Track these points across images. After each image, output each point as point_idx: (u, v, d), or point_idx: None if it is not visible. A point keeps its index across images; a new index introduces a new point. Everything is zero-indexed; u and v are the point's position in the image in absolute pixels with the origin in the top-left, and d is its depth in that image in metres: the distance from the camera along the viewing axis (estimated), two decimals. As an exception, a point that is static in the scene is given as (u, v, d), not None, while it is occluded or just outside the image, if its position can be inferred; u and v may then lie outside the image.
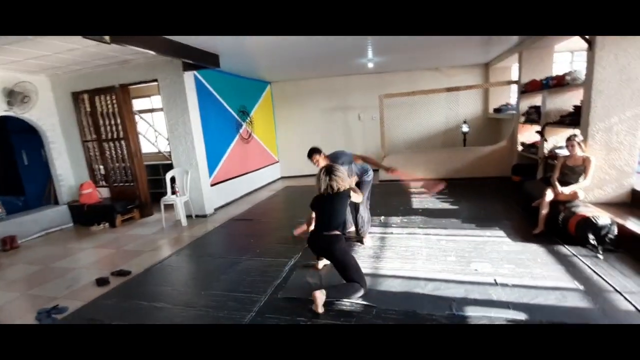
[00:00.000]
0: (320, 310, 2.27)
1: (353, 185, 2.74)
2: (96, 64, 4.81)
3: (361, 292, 2.36)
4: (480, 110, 7.43)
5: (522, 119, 5.48)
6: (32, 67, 4.70)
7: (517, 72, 5.64)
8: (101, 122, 5.32)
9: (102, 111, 5.28)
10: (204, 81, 5.34)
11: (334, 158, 3.22)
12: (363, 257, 3.12)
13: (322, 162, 3.18)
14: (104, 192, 5.59)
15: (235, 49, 4.56)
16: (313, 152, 3.24)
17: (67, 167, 5.68)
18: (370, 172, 3.56)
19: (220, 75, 5.77)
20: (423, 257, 3.01)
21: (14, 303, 2.92)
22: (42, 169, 5.86)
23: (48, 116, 5.37)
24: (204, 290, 2.76)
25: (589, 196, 3.61)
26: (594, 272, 2.54)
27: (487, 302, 2.25)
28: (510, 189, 5.16)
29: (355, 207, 3.42)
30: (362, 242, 3.45)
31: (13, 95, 4.74)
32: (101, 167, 5.58)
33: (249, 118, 6.81)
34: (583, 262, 2.70)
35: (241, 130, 6.50)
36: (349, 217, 3.58)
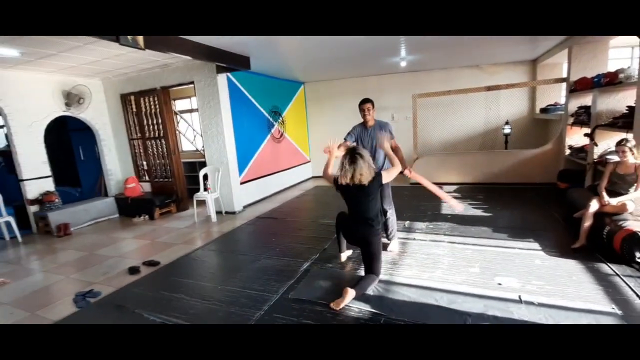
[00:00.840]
0: (337, 307, 2.30)
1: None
2: (141, 68, 5.19)
3: (376, 281, 2.54)
4: (526, 110, 6.88)
5: (571, 120, 4.99)
6: (87, 72, 5.19)
7: (567, 70, 5.14)
8: (145, 121, 5.73)
9: (145, 111, 5.68)
10: (237, 83, 5.53)
11: (382, 124, 3.16)
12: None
13: (370, 118, 3.12)
14: (146, 187, 6.02)
15: (266, 52, 4.67)
16: (369, 101, 3.11)
17: (116, 163, 6.20)
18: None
19: (253, 76, 5.94)
20: (444, 267, 2.86)
21: (58, 285, 3.25)
22: (95, 163, 6.44)
23: (100, 116, 5.90)
24: (220, 285, 2.86)
25: (644, 209, 3.19)
26: (637, 295, 2.24)
27: (507, 321, 2.08)
28: (554, 197, 4.73)
29: (383, 211, 3.27)
30: (385, 249, 3.24)
31: (70, 97, 5.28)
32: (144, 163, 6.02)
33: (281, 118, 6.94)
34: (626, 283, 2.40)
35: (273, 130, 6.64)
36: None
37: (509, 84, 5.94)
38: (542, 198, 4.82)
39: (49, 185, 5.19)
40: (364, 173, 2.37)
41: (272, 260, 3.31)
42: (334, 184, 2.58)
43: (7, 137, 4.92)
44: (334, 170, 2.67)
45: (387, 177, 2.61)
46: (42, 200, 5.05)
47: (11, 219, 4.66)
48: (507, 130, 6.45)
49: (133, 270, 3.36)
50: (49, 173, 5.24)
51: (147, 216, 5.45)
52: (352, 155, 2.41)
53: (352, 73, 7.17)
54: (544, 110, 6.21)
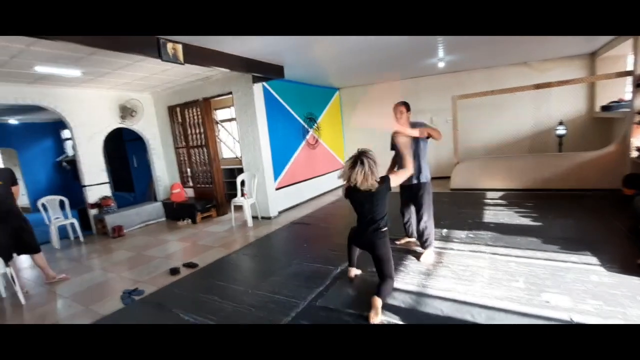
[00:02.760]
0: (377, 319, 2.21)
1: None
2: (185, 81, 5.55)
3: (393, 284, 2.49)
4: (584, 109, 6.25)
5: (638, 118, 4.42)
6: (138, 87, 5.66)
7: (632, 62, 4.58)
8: (189, 130, 6.10)
9: (189, 121, 6.05)
10: (272, 91, 5.69)
11: (418, 125, 2.99)
12: (413, 272, 2.91)
13: (404, 122, 2.98)
14: (190, 192, 6.38)
15: (298, 60, 4.75)
16: (404, 104, 3.00)
17: (164, 170, 6.66)
18: (427, 174, 3.16)
19: (288, 84, 6.07)
20: (484, 280, 2.66)
21: (110, 282, 3.54)
22: (146, 170, 6.99)
23: (150, 126, 6.39)
24: (251, 289, 2.92)
25: None
26: None
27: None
28: (618, 205, 4.20)
29: (418, 216, 3.16)
30: (418, 258, 3.12)
31: (125, 110, 5.78)
32: (188, 170, 6.40)
33: (316, 124, 7.00)
34: None
35: (307, 137, 6.72)
36: (413, 225, 3.37)
37: (561, 81, 5.42)
38: (602, 206, 4.32)
39: (106, 190, 5.72)
40: (364, 177, 2.28)
41: (303, 266, 3.31)
42: (345, 193, 2.54)
43: (73, 147, 5.51)
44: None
45: (395, 180, 2.51)
46: (101, 204, 5.56)
47: (75, 221, 5.19)
48: (561, 131, 5.90)
49: (174, 271, 3.56)
50: (107, 179, 5.76)
51: (189, 220, 5.77)
52: (354, 158, 2.35)
53: (387, 77, 7.04)
54: (605, 108, 5.59)
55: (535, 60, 6.32)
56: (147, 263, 3.99)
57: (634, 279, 2.44)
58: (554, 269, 2.71)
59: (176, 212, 6.01)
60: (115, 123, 5.79)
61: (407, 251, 3.35)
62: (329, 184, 7.41)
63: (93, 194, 5.54)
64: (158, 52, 3.17)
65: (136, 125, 6.11)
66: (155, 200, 6.59)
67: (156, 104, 6.39)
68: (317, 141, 7.02)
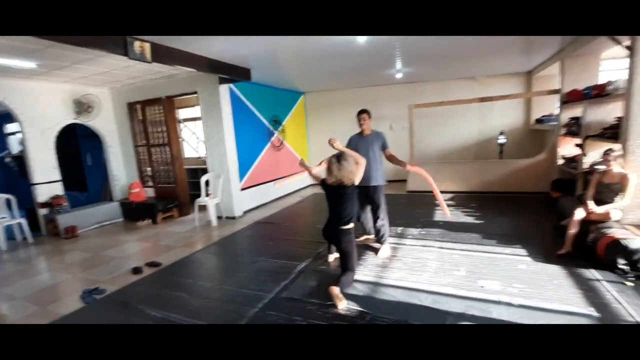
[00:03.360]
0: (342, 304, 2.45)
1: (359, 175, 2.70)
2: (147, 78, 5.44)
3: (353, 276, 2.69)
4: (522, 121, 7.04)
5: (563, 130, 5.13)
6: (97, 82, 5.44)
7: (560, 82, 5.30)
8: (150, 129, 5.95)
9: (151, 119, 5.91)
10: (238, 93, 5.76)
11: (377, 134, 3.40)
12: (370, 265, 3.18)
13: (367, 127, 3.35)
14: (150, 192, 6.22)
15: (265, 64, 4.89)
16: (366, 112, 3.36)
17: (121, 168, 6.42)
18: (383, 178, 3.54)
19: (254, 86, 6.16)
20: (431, 270, 2.99)
21: (66, 283, 3.42)
22: (101, 169, 6.67)
23: (107, 123, 6.14)
24: (218, 285, 3.01)
25: (630, 217, 3.30)
26: (616, 299, 2.35)
27: (485, 320, 2.21)
28: (546, 206, 4.84)
29: (375, 215, 3.45)
30: (376, 253, 3.41)
31: (80, 106, 5.52)
32: (148, 169, 6.23)
33: (281, 127, 7.14)
34: (606, 288, 2.51)
35: (273, 139, 6.84)
36: (370, 223, 3.65)
37: (502, 96, 6.10)
38: (534, 207, 4.93)
39: (58, 189, 5.41)
40: (345, 174, 2.53)
41: (269, 262, 3.46)
42: (320, 183, 2.77)
43: (22, 143, 5.16)
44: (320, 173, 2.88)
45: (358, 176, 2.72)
46: (52, 204, 5.26)
47: (23, 221, 4.87)
48: (501, 140, 6.60)
49: (136, 270, 3.52)
50: (59, 178, 5.46)
51: (150, 220, 5.63)
52: (339, 157, 2.59)
53: (350, 84, 7.39)
54: (538, 121, 6.36)
55: (481, 75, 6.99)
56: (106, 263, 3.89)
57: (552, 266, 2.90)
58: (491, 260, 3.12)
59: (135, 212, 5.83)
60: (70, 118, 5.50)
61: (366, 247, 3.62)
62: (293, 185, 7.58)
63: (43, 193, 5.22)
64: (124, 50, 3.15)
65: (92, 121, 5.85)
66: (112, 200, 6.32)
67: (115, 100, 6.16)
68: (282, 143, 7.16)
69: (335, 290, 2.51)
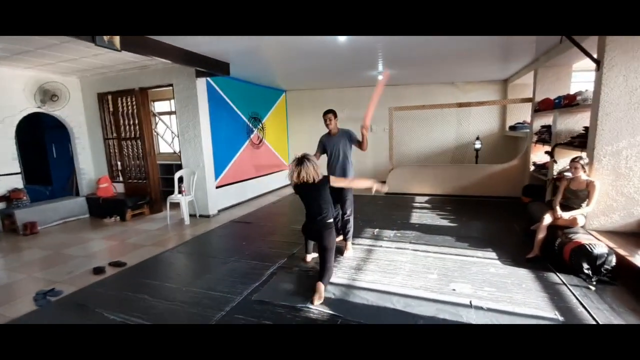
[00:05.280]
0: (319, 301, 2.48)
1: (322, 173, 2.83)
2: (119, 68, 5.18)
3: (333, 271, 2.82)
4: (497, 127, 7.23)
5: (535, 138, 5.29)
6: (64, 70, 5.13)
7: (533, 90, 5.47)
8: (121, 121, 5.68)
9: (122, 111, 5.64)
10: (216, 87, 5.59)
11: (344, 132, 3.48)
12: (344, 267, 3.13)
13: (333, 127, 3.45)
14: (120, 187, 5.93)
15: (245, 59, 4.76)
16: (331, 112, 3.44)
17: (89, 162, 6.10)
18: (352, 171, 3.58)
19: (233, 82, 6.01)
20: (404, 273, 2.98)
21: (19, 283, 3.18)
22: (67, 162, 6.31)
23: (76, 114, 5.81)
24: (185, 287, 2.87)
25: (594, 223, 3.43)
26: (580, 303, 2.41)
27: (455, 323, 2.20)
28: (517, 211, 4.97)
29: (343, 210, 3.47)
30: (341, 253, 3.42)
31: (45, 94, 5.19)
32: (119, 163, 5.94)
33: (260, 124, 7.01)
34: (571, 292, 2.57)
35: (252, 136, 6.70)
36: (340, 223, 3.61)
37: (479, 102, 6.24)
38: (506, 211, 5.06)
39: (17, 182, 5.06)
40: (310, 172, 2.64)
41: (241, 263, 3.34)
42: (293, 187, 2.84)
43: (-24, 131, 4.79)
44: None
45: (336, 182, 2.88)
46: (10, 198, 4.91)
47: (-26, 216, 4.51)
48: (477, 145, 6.75)
49: (98, 270, 3.32)
50: (19, 170, 5.11)
51: (118, 217, 5.37)
52: (299, 159, 2.69)
53: (332, 84, 7.36)
54: (512, 128, 6.55)
55: (460, 81, 7.13)
56: (65, 262, 3.65)
57: (521, 270, 2.96)
58: (462, 263, 3.14)
59: (102, 208, 5.54)
60: (33, 107, 5.16)
61: (337, 249, 3.56)
62: (272, 184, 7.46)
63: (1, 186, 4.87)
64: (91, 37, 2.96)
65: (59, 111, 5.52)
66: (78, 195, 6.00)
67: (84, 90, 5.84)
68: (261, 141, 7.03)
69: (322, 287, 2.56)
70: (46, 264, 3.65)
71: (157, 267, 3.41)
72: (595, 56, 3.34)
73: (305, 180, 2.65)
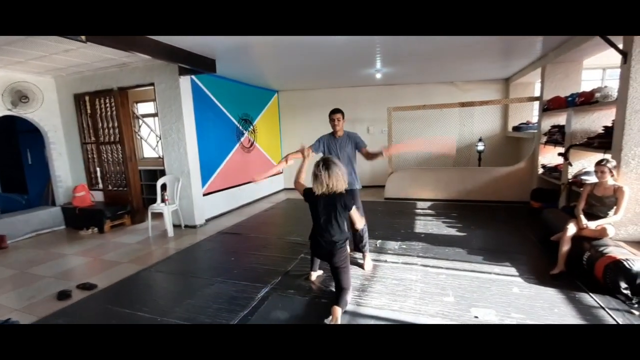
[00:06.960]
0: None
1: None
2: (97, 67, 4.75)
3: (350, 293, 2.45)
4: (499, 128, 6.92)
5: (544, 139, 4.97)
6: (37, 68, 4.67)
7: (540, 89, 5.15)
8: (100, 124, 5.23)
9: (101, 113, 5.19)
10: (202, 87, 5.18)
11: (350, 136, 3.13)
12: (347, 288, 2.73)
13: (340, 128, 3.11)
14: (99, 196, 5.47)
15: (233, 55, 4.35)
16: (339, 112, 3.10)
17: (66, 169, 5.62)
18: (358, 180, 3.23)
19: (221, 81, 5.60)
20: (416, 295, 2.59)
21: (-33, 313, 2.72)
22: (44, 169, 5.83)
23: (51, 117, 5.34)
24: (161, 316, 2.45)
25: (622, 233, 3.10)
26: (625, 331, 2.05)
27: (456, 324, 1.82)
28: (528, 217, 4.64)
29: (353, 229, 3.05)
30: (362, 267, 3.11)
31: (14, 95, 4.73)
32: (98, 169, 5.48)
33: (252, 126, 6.61)
34: (612, 317, 2.21)
35: (242, 139, 6.29)
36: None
37: (483, 101, 5.92)
38: (515, 217, 4.72)
39: (-18, 192, 4.58)
40: (339, 181, 2.21)
41: (227, 284, 2.93)
42: (304, 195, 2.40)
43: None
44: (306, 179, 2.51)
45: (357, 219, 2.48)
46: (-27, 209, 4.43)
47: None
48: (480, 147, 6.42)
49: (63, 295, 2.88)
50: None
51: (95, 229, 4.91)
52: (326, 162, 2.23)
53: (327, 84, 6.99)
54: (516, 129, 6.24)
55: (459, 80, 6.81)
56: (29, 284, 3.20)
57: (548, 290, 2.59)
58: (480, 282, 2.77)
59: (79, 219, 5.07)
60: (3, 110, 4.69)
61: (357, 264, 3.19)
62: (264, 189, 7.05)
63: (-39, 196, 4.39)
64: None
65: (31, 114, 5.05)
66: (54, 204, 5.52)
67: (60, 91, 5.37)
68: (252, 144, 6.62)
69: (339, 311, 2.23)
70: (9, 286, 3.21)
71: (132, 290, 2.97)
72: (621, 47, 3.02)
73: (332, 190, 2.21)
